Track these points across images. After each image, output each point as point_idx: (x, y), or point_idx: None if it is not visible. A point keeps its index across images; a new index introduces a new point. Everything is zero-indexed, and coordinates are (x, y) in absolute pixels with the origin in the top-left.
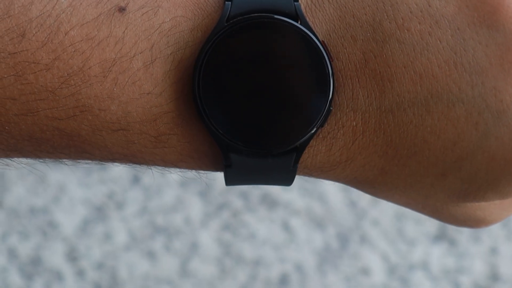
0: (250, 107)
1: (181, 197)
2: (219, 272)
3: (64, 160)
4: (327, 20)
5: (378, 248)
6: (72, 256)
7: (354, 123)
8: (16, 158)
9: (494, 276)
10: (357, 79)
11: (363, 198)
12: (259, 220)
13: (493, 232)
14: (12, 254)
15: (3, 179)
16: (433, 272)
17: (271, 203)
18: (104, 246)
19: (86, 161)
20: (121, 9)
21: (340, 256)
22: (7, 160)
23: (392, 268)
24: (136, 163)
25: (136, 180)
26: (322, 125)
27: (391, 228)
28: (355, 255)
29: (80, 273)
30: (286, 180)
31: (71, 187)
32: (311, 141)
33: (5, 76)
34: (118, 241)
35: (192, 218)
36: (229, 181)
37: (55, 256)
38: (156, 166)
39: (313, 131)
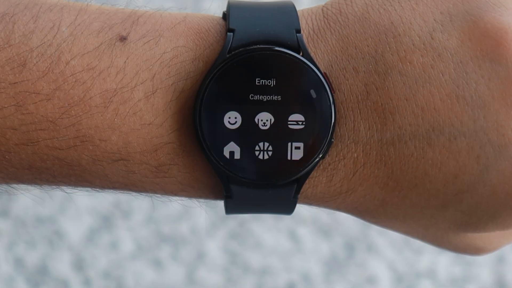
0: (251, 139)
1: (187, 206)
2: (225, 281)
3: (63, 187)
4: (329, 51)
5: (385, 257)
6: (78, 265)
7: (355, 154)
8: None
9: (501, 285)
10: (358, 111)
11: None
12: (265, 229)
13: None
14: (19, 263)
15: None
16: (440, 280)
17: None
18: (110, 255)
19: (86, 188)
20: (123, 39)
21: (347, 265)
22: (6, 187)
23: (399, 277)
24: (136, 192)
25: None
26: (323, 157)
27: (398, 237)
28: (362, 264)
29: (87, 282)
30: (286, 210)
31: (78, 196)
32: (312, 172)
33: (6, 106)
34: (125, 250)
35: (198, 227)
36: (229, 210)
37: (61, 265)
38: (156, 195)
39: (314, 163)
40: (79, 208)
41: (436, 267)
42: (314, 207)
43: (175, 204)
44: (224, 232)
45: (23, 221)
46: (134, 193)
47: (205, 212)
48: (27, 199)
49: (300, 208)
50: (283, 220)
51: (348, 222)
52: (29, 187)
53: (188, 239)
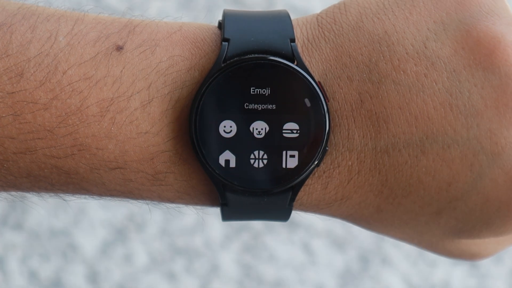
0: (246, 147)
1: (201, 219)
2: None
3: (61, 195)
4: (323, 59)
5: (399, 269)
6: (92, 278)
7: (350, 162)
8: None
9: None
10: (353, 119)
11: None
12: (279, 241)
13: None
14: (33, 276)
15: (24, 201)
16: None
17: (291, 225)
18: (124, 268)
19: (84, 196)
20: (119, 48)
21: (361, 277)
22: (5, 194)
23: None
24: (134, 199)
25: None
26: (318, 165)
27: (412, 249)
28: (376, 277)
29: None
30: (282, 217)
31: (91, 209)
32: (307, 179)
33: (4, 115)
34: (139, 263)
35: (212, 240)
36: (225, 217)
37: (75, 278)
38: (152, 202)
39: (309, 171)
40: (93, 221)
41: (450, 279)
42: (309, 213)
43: (188, 217)
44: (237, 244)
45: (37, 234)
46: (131, 200)
47: (218, 225)
48: (41, 211)
49: (314, 221)
50: (297, 232)
51: (362, 234)
52: (36, 198)
53: (201, 252)
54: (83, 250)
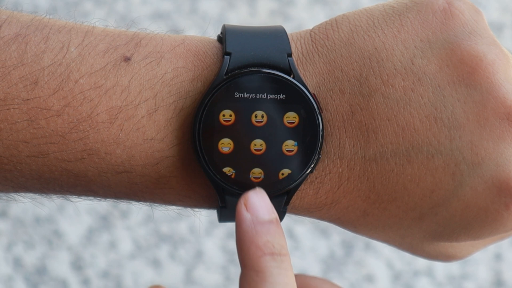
0: (245, 154)
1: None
2: (224, 280)
3: (69, 196)
4: (317, 73)
5: (382, 255)
6: (77, 265)
7: (340, 169)
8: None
9: (499, 282)
10: (344, 130)
11: None
12: None
13: None
14: (17, 263)
15: None
16: (438, 278)
17: None
18: (109, 254)
19: (90, 198)
20: (127, 59)
21: (345, 263)
22: (14, 195)
23: (397, 275)
24: (137, 201)
25: None
26: (311, 171)
27: None
28: (360, 262)
29: (86, 282)
30: None
31: None
32: (300, 185)
33: (19, 121)
34: (123, 249)
35: (196, 226)
36: (222, 219)
37: (60, 265)
38: (154, 204)
39: (303, 177)
40: (77, 208)
41: (433, 265)
42: (300, 216)
43: None
44: (222, 231)
45: (22, 222)
46: (134, 202)
47: (203, 211)
48: (26, 199)
49: None
50: None
51: None
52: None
53: (186, 238)
54: (68, 237)
